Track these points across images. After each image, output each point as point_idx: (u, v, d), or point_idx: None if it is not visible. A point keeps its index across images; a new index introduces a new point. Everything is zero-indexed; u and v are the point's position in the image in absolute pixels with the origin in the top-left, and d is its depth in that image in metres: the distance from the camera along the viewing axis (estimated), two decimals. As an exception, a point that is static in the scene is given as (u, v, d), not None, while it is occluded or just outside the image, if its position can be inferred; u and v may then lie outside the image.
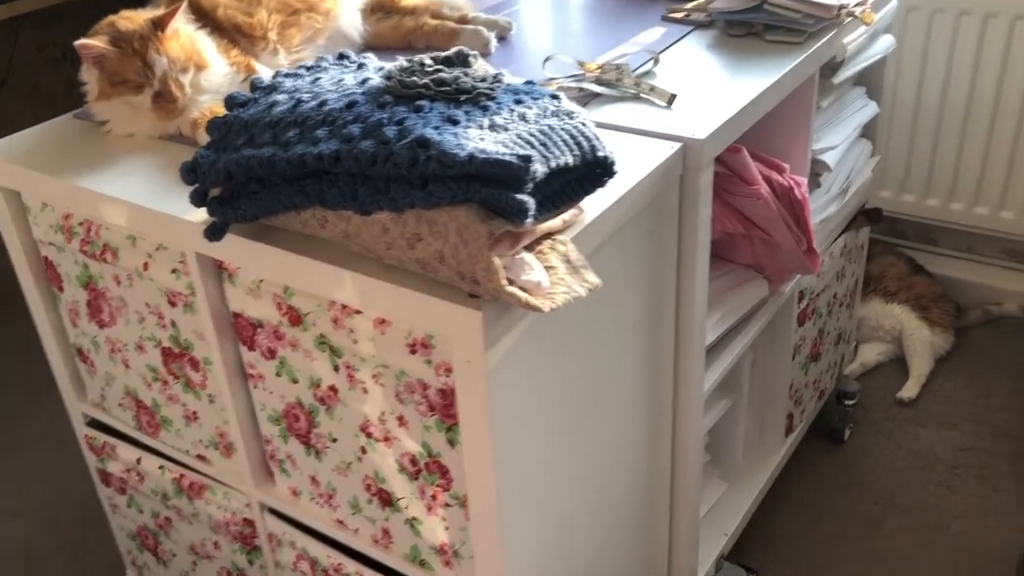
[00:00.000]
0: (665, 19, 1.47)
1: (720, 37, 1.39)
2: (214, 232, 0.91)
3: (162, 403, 1.24)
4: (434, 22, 1.41)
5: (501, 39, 1.43)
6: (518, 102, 0.86)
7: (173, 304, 1.12)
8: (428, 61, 0.87)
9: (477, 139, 0.78)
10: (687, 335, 1.21)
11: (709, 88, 1.21)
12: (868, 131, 1.71)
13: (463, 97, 0.83)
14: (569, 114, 0.87)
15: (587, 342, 1.03)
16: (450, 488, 0.98)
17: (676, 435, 1.30)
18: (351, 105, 0.84)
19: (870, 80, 1.66)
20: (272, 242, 0.94)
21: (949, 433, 1.95)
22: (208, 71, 1.17)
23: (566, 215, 0.91)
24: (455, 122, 0.80)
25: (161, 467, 1.31)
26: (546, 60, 1.29)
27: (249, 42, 1.25)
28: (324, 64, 0.97)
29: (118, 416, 1.33)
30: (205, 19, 1.24)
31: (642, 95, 1.20)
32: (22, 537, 1.85)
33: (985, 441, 1.92)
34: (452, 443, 0.94)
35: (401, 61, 0.88)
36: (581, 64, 1.26)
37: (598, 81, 1.23)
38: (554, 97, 0.89)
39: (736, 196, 1.28)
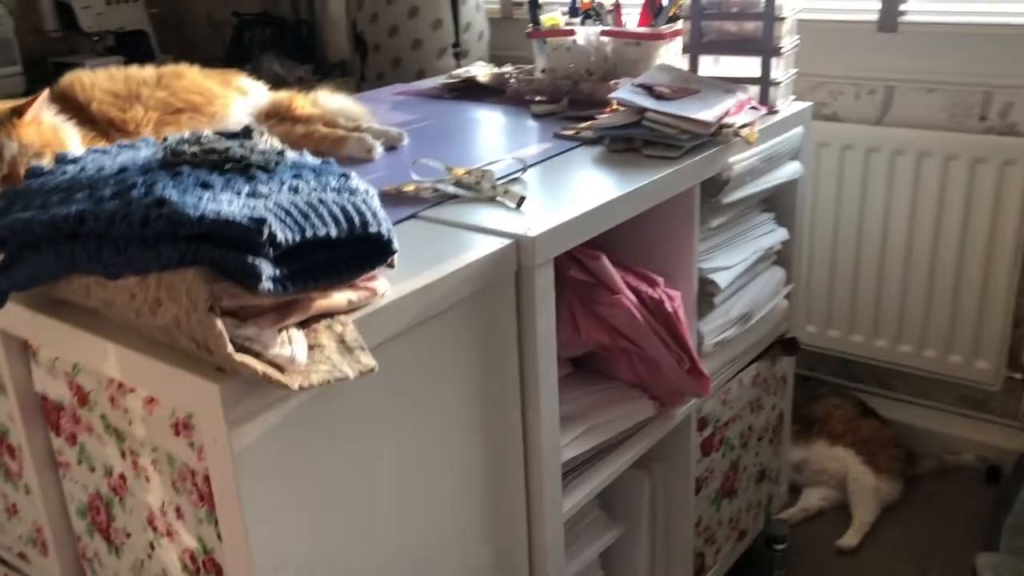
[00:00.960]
0: (557, 136, 1.48)
1: (603, 153, 1.38)
2: (-9, 299, 0.89)
3: (-13, 495, 1.19)
4: (324, 130, 1.43)
5: (391, 148, 1.44)
6: (296, 176, 0.84)
7: (-10, 386, 1.09)
8: (207, 133, 0.86)
9: (225, 203, 0.76)
10: (535, 444, 1.14)
11: (568, 195, 1.20)
12: (783, 259, 1.67)
13: (228, 166, 0.81)
14: (352, 191, 0.85)
15: (394, 438, 0.97)
16: (225, 589, 0.91)
17: (533, 560, 1.21)
18: (120, 171, 0.83)
19: (780, 206, 1.64)
20: (58, 315, 0.92)
21: (888, 587, 1.81)
22: (66, 158, 1.18)
23: (353, 296, 0.88)
24: (208, 187, 0.78)
25: (-12, 566, 1.24)
26: (413, 163, 1.29)
27: (123, 136, 1.27)
28: (141, 144, 0.97)
29: (-46, 510, 1.28)
30: (79, 112, 1.26)
31: (497, 198, 1.19)
32: None
33: (926, 597, 1.78)
34: (220, 537, 0.88)
35: (185, 134, 0.87)
36: (448, 169, 1.26)
37: (458, 184, 1.22)
38: (343, 176, 0.88)
39: (602, 306, 1.24)
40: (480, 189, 1.21)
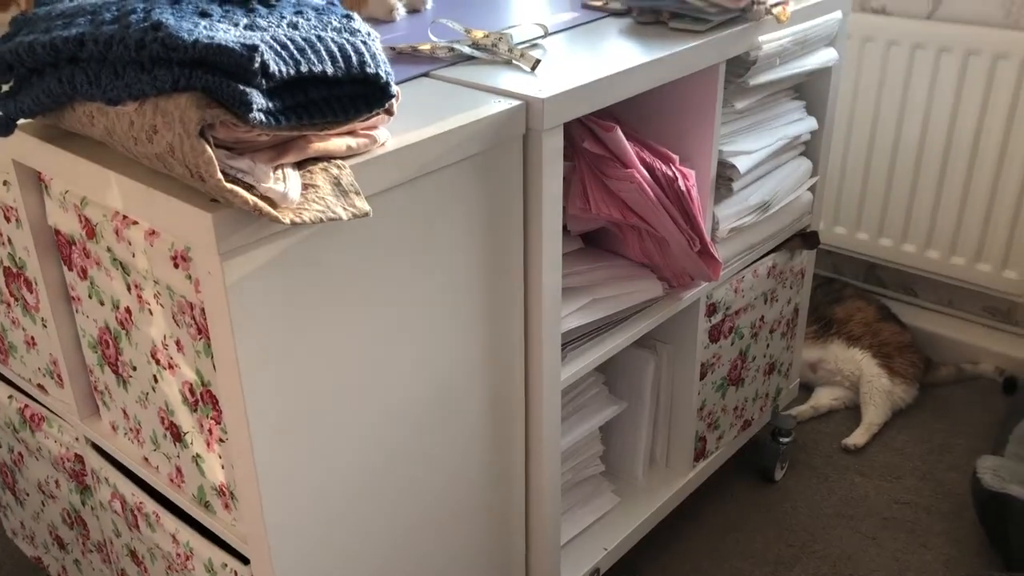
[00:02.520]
0: (585, 6, 1.44)
1: (630, 24, 1.35)
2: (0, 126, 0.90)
3: (8, 327, 1.23)
4: (347, -12, 1.41)
5: (414, 11, 1.42)
6: (297, 12, 0.84)
7: (7, 219, 1.11)
8: (211, -35, 0.85)
9: (220, 32, 0.76)
10: (536, 308, 1.15)
11: (587, 63, 1.17)
12: (810, 150, 1.64)
13: (229, -3, 0.81)
14: (352, 31, 0.84)
15: (393, 285, 0.98)
16: (221, 421, 0.94)
17: (529, 424, 1.23)
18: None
19: (812, 95, 1.60)
20: (67, 146, 0.93)
21: (889, 485, 1.83)
22: None
23: (352, 142, 0.88)
24: (205, 15, 0.78)
25: (10, 396, 1.30)
26: (432, 23, 1.27)
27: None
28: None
29: (-22, 342, 1.33)
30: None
31: (513, 61, 1.17)
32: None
33: (925, 497, 1.79)
34: (216, 369, 0.91)
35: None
36: (467, 31, 1.24)
37: (474, 45, 1.20)
38: (347, 17, 0.87)
39: (613, 180, 1.23)
40: (497, 52, 1.19)
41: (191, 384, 0.96)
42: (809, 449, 1.93)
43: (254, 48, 0.73)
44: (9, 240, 1.13)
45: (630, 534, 1.51)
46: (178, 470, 1.05)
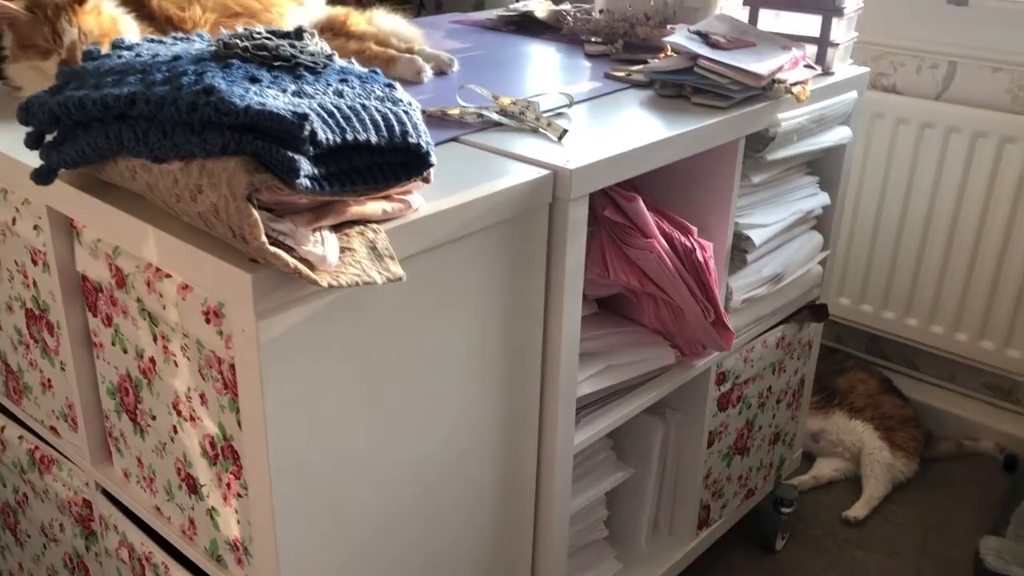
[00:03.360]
0: (608, 76, 1.47)
1: (652, 97, 1.38)
2: (40, 175, 0.92)
3: (25, 368, 1.24)
4: (376, 48, 1.44)
5: (441, 73, 1.45)
6: (343, 81, 0.86)
7: (35, 263, 1.12)
8: (260, 30, 0.88)
9: (270, 98, 0.78)
10: (553, 375, 1.16)
11: (612, 134, 1.20)
12: (822, 224, 1.66)
13: (277, 63, 0.83)
14: (395, 100, 0.87)
15: (417, 349, 0.99)
16: (240, 476, 0.94)
17: (540, 489, 1.24)
18: (174, 59, 0.85)
19: (825, 171, 1.63)
20: (104, 196, 0.95)
21: (889, 561, 1.82)
22: (123, 49, 1.20)
23: (388, 206, 0.90)
24: (256, 81, 0.80)
25: (20, 437, 1.30)
26: (460, 88, 1.29)
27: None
28: (195, 38, 0.99)
29: (-8, 381, 1.33)
30: (139, 7, 1.28)
31: (540, 129, 1.19)
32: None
33: (926, 575, 1.79)
34: (241, 425, 0.91)
35: (239, 30, 0.89)
36: (495, 97, 1.26)
37: (502, 112, 1.23)
38: (388, 86, 0.89)
39: (632, 248, 1.25)
40: (524, 119, 1.21)
41: (212, 437, 0.96)
42: (809, 519, 1.93)
43: (304, 116, 0.75)
44: (34, 283, 1.14)
45: (632, 601, 1.51)
46: (191, 522, 1.05)
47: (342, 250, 0.84)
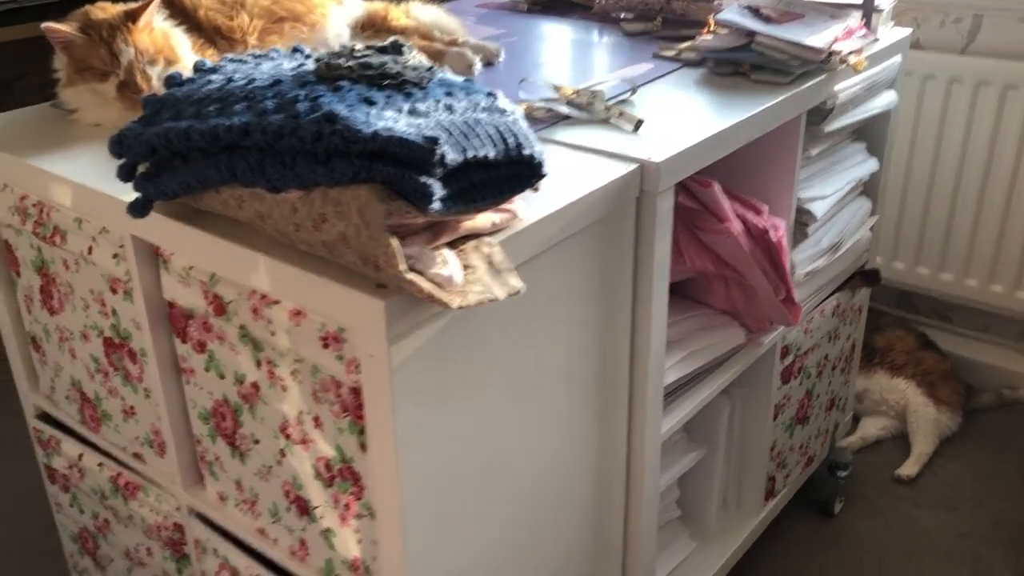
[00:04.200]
0: (656, 56, 1.45)
1: (707, 75, 1.36)
2: (136, 208, 0.90)
3: (103, 396, 1.22)
4: (422, 43, 1.41)
5: (488, 64, 1.43)
6: (448, 94, 0.84)
7: (114, 291, 1.10)
8: (359, 47, 0.85)
9: (390, 120, 0.76)
10: (642, 368, 1.16)
11: (682, 119, 1.18)
12: (868, 189, 1.66)
13: (386, 82, 0.81)
14: (501, 111, 0.85)
15: (517, 358, 0.99)
16: (362, 497, 0.94)
17: (630, 477, 1.24)
18: (275, 83, 0.82)
19: (871, 136, 1.62)
20: (200, 225, 0.93)
21: (946, 516, 1.85)
22: (179, 66, 1.17)
23: (496, 218, 0.89)
24: (371, 103, 0.78)
25: (100, 464, 1.28)
26: (521, 81, 1.27)
27: (228, 44, 1.26)
28: (273, 54, 0.97)
29: (65, 409, 1.31)
30: (186, 18, 1.25)
31: (611, 120, 1.18)
32: (-18, 538, 1.82)
33: (983, 528, 1.82)
34: (363, 447, 0.90)
35: (335, 48, 0.86)
36: (557, 88, 1.25)
37: (570, 104, 1.21)
38: (490, 95, 0.87)
39: (707, 233, 1.24)
40: (593, 110, 1.20)
41: (328, 460, 0.95)
42: (862, 480, 1.95)
43: (435, 140, 0.73)
44: (114, 311, 1.12)
45: (713, 577, 1.52)
46: (302, 543, 1.04)
47: (462, 267, 0.83)
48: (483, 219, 0.88)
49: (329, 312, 0.85)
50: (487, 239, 0.87)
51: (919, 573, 1.71)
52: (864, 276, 1.69)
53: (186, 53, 1.19)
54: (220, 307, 0.97)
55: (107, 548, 1.38)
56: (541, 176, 0.86)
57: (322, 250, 0.80)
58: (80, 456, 1.31)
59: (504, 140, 0.81)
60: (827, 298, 1.61)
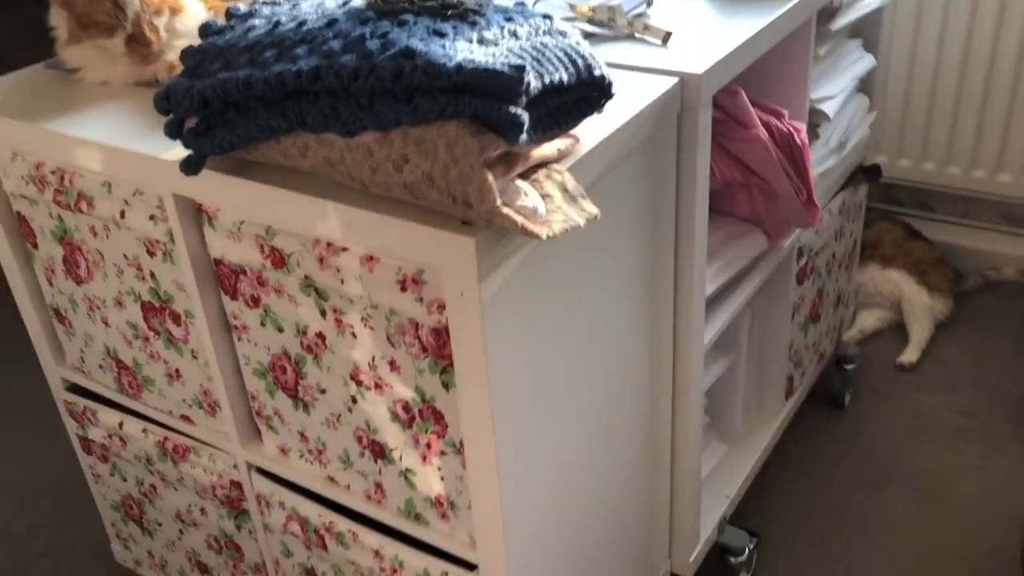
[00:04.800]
0: (657, -34, 1.43)
1: (715, -18, 1.34)
2: (190, 165, 0.87)
3: (143, 362, 1.19)
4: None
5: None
6: (508, 20, 0.82)
7: (152, 254, 1.07)
8: (414, -22, 0.82)
9: (466, 51, 0.74)
10: (687, 283, 1.17)
11: (704, 28, 1.17)
12: (866, 86, 1.67)
13: (449, 12, 0.79)
14: (562, 33, 0.83)
15: (582, 282, 0.99)
16: (445, 435, 0.94)
17: (676, 387, 1.26)
18: (331, 23, 0.79)
19: (866, 32, 1.62)
20: (253, 177, 0.90)
21: (950, 398, 1.92)
22: (184, 14, 1.12)
23: (560, 145, 0.87)
24: (442, 35, 0.76)
25: (144, 430, 1.26)
26: (535, 3, 1.25)
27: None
28: (302, -7, 0.93)
29: (98, 379, 1.28)
30: (183, -36, 1.19)
31: (636, 35, 1.16)
32: (4, 514, 1.80)
33: (986, 405, 1.89)
34: (447, 386, 0.90)
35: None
36: (572, 6, 1.22)
37: (590, 21, 1.19)
38: (546, 17, 0.85)
39: (735, 142, 1.24)
40: (615, 26, 1.18)
41: (406, 402, 0.95)
42: (866, 372, 2.01)
43: (522, 69, 0.71)
44: (152, 274, 1.09)
45: (744, 479, 1.56)
46: (378, 486, 1.05)
47: (540, 197, 0.82)
48: (549, 147, 0.86)
49: (408, 255, 0.83)
50: (555, 167, 0.86)
51: (931, 453, 1.78)
52: (866, 172, 1.72)
53: (190, 1, 1.14)
54: (279, 259, 0.95)
55: (155, 513, 1.37)
56: (610, 97, 0.85)
57: (401, 192, 0.79)
58: (120, 424, 1.29)
59: (574, 63, 0.80)
60: (833, 197, 1.63)
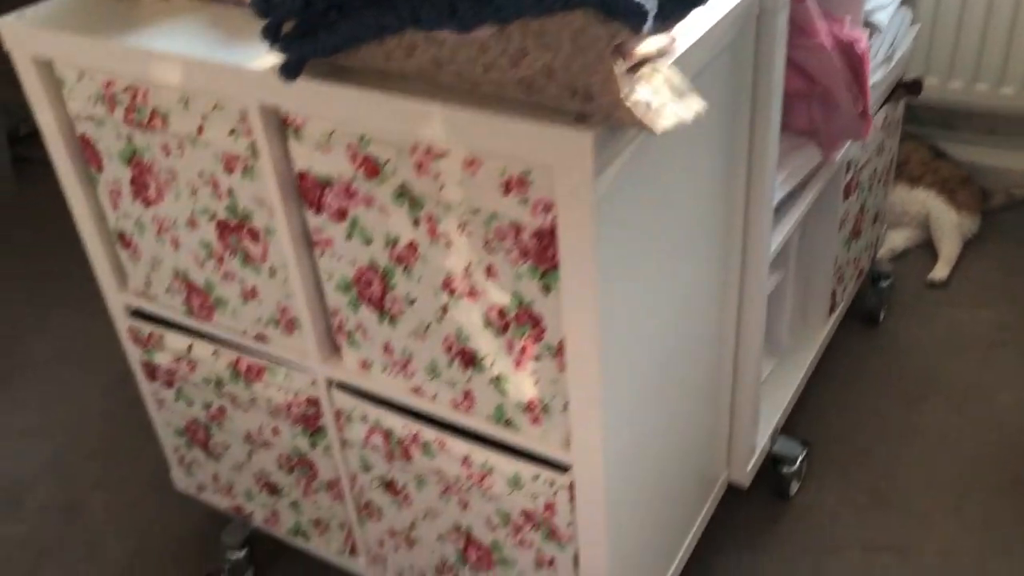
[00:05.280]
0: None
1: None
2: (289, 70, 0.86)
3: (216, 282, 1.20)
4: None
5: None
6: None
7: (230, 170, 1.07)
8: None
9: (587, -58, 0.73)
10: (758, 189, 1.18)
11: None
12: (909, -1, 1.67)
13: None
14: (667, -73, 0.82)
15: (676, 182, 0.99)
16: (541, 339, 0.95)
17: (743, 297, 1.28)
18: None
19: (912, -57, 1.61)
20: (349, 83, 0.89)
21: (983, 312, 1.95)
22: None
23: (660, 42, 0.87)
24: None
25: (215, 352, 1.27)
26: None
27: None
28: None
29: (165, 302, 1.28)
30: None
31: (706, -60, 1.15)
32: (49, 453, 1.81)
33: (1019, 317, 1.92)
34: (547, 289, 0.91)
35: None
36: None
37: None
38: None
39: (799, 50, 1.24)
40: (683, -67, 1.16)
41: (501, 308, 0.96)
42: (898, 289, 2.04)
43: (647, -45, 0.71)
44: (229, 191, 1.09)
45: (793, 391, 1.59)
46: (466, 395, 1.06)
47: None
48: (649, 44, 0.86)
49: (517, 154, 0.83)
50: (657, 62, 0.86)
51: (968, 366, 1.82)
52: (907, 87, 1.72)
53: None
54: (373, 168, 0.94)
55: (222, 436, 1.38)
56: (714, -9, 0.84)
57: (515, 89, 0.78)
58: (189, 347, 1.29)
59: (683, -45, 0.79)
60: (877, 111, 1.64)
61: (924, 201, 2.14)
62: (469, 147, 0.86)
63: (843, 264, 1.71)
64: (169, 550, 1.58)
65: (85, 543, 1.61)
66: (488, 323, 0.98)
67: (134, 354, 1.38)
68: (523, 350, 0.97)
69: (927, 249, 2.14)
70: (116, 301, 1.34)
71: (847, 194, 1.60)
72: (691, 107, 0.83)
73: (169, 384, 1.38)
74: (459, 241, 0.94)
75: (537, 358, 0.97)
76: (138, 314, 1.34)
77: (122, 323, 1.36)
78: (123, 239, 1.26)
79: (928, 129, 2.36)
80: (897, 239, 2.15)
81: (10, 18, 1.12)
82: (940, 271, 2.05)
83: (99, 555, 1.59)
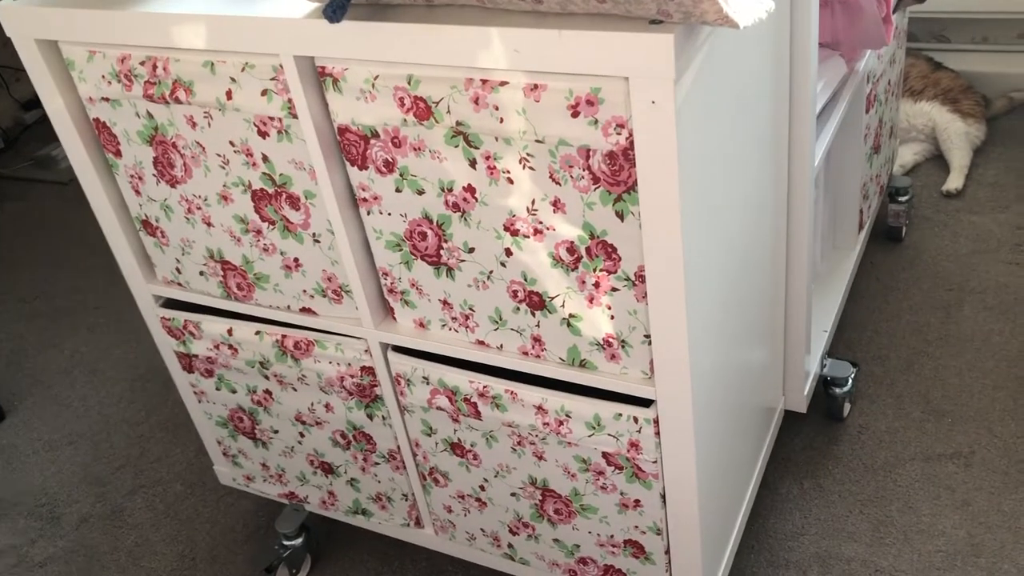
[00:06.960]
0: None
1: None
2: (335, 10, 0.81)
3: (255, 258, 1.15)
4: None
5: None
6: None
7: (264, 135, 1.02)
8: None
9: None
10: (801, 96, 1.15)
11: None
12: (907, -97, 1.63)
13: None
14: None
15: (737, 87, 0.96)
16: (617, 270, 0.92)
17: (791, 213, 1.25)
18: None
19: None
20: (394, 21, 0.85)
21: (1003, 215, 1.94)
22: None
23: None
24: None
25: (258, 332, 1.22)
26: None
27: None
28: None
29: (199, 287, 1.23)
30: None
31: None
32: (79, 465, 1.75)
33: (1040, 216, 1.92)
34: (622, 215, 0.87)
35: None
36: None
37: None
38: None
39: (823, -45, 1.21)
40: None
41: (571, 243, 0.92)
42: (915, 204, 2.02)
43: None
44: (264, 158, 1.04)
45: (836, 313, 1.57)
46: (535, 340, 1.02)
47: (715, -7, 0.78)
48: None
49: (586, 70, 0.79)
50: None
51: (996, 268, 1.81)
52: (914, -7, 1.69)
53: None
54: (424, 110, 0.90)
55: (270, 421, 1.34)
56: None
57: (588, 4, 0.74)
58: (229, 331, 1.24)
59: None
60: (889, 20, 1.61)
61: (929, 113, 2.12)
62: (537, 68, 0.81)
63: (867, 180, 1.69)
64: (219, 548, 1.54)
65: (129, 553, 1.57)
66: (557, 261, 0.94)
67: (167, 345, 1.33)
68: (596, 284, 0.94)
69: (936, 161, 2.13)
70: (144, 293, 1.29)
71: (867, 107, 1.58)
72: (764, 3, 0.79)
73: (209, 373, 1.33)
74: (521, 177, 0.90)
75: (613, 291, 0.93)
76: (169, 304, 1.29)
77: (152, 315, 1.31)
78: (148, 226, 1.21)
79: (922, 44, 2.34)
80: (905, 155, 2.14)
81: (8, 1, 1.06)
82: (955, 181, 2.04)
83: (146, 563, 1.54)
